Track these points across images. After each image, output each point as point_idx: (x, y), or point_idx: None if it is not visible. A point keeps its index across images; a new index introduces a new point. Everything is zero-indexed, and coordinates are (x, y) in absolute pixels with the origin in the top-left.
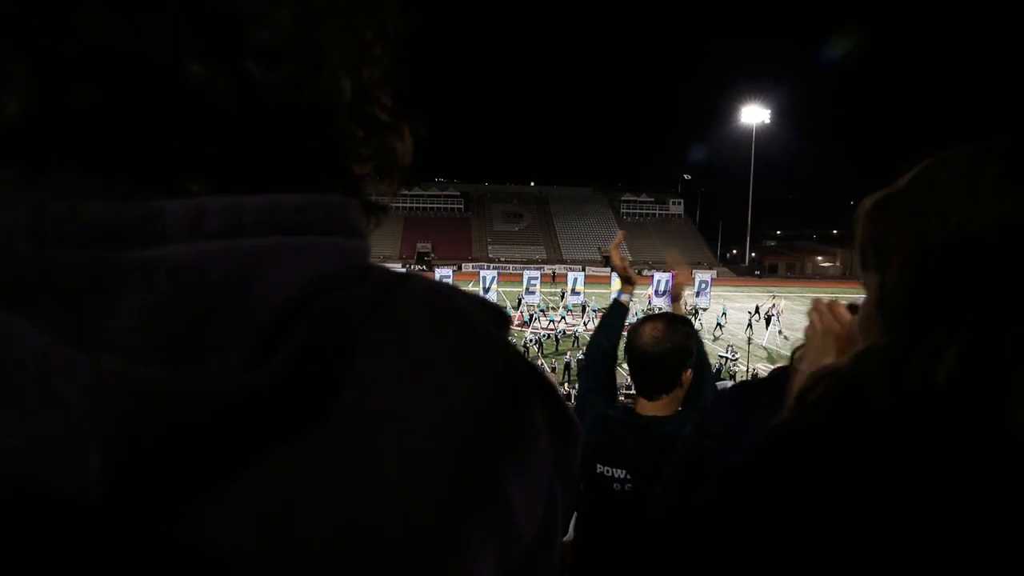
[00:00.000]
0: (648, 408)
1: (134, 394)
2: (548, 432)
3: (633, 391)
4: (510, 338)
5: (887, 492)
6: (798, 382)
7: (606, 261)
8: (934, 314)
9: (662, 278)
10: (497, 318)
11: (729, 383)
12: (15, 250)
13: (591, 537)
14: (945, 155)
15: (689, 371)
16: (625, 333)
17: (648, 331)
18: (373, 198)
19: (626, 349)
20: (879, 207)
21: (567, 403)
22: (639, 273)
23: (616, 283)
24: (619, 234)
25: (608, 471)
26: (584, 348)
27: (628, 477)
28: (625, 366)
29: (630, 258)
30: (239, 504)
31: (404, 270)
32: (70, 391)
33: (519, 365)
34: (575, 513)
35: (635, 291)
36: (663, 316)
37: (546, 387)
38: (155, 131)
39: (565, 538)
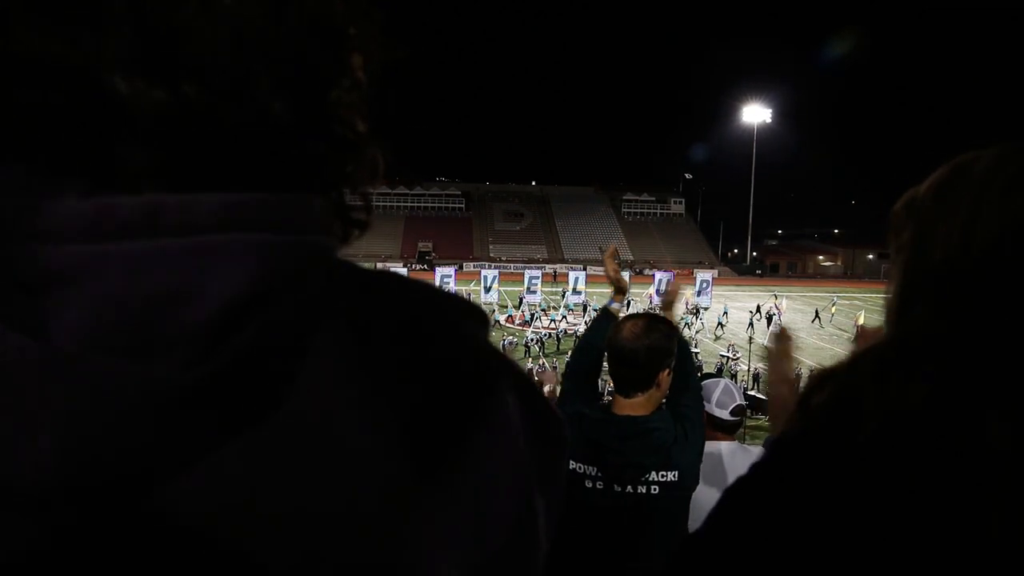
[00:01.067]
0: (624, 407)
1: (84, 383)
2: (524, 432)
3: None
4: (491, 337)
5: (882, 503)
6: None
7: None
8: (925, 320)
9: (663, 277)
10: (475, 317)
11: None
12: None
13: (562, 533)
14: (966, 157)
15: (667, 372)
16: None
17: (628, 327)
18: (351, 197)
19: (606, 344)
20: (904, 208)
21: (551, 403)
22: (640, 273)
23: None
24: (611, 247)
25: (581, 468)
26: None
27: (599, 474)
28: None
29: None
30: (187, 492)
31: (379, 268)
32: (23, 378)
33: (494, 364)
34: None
35: (636, 290)
36: (646, 315)
37: (526, 386)
38: (97, 135)
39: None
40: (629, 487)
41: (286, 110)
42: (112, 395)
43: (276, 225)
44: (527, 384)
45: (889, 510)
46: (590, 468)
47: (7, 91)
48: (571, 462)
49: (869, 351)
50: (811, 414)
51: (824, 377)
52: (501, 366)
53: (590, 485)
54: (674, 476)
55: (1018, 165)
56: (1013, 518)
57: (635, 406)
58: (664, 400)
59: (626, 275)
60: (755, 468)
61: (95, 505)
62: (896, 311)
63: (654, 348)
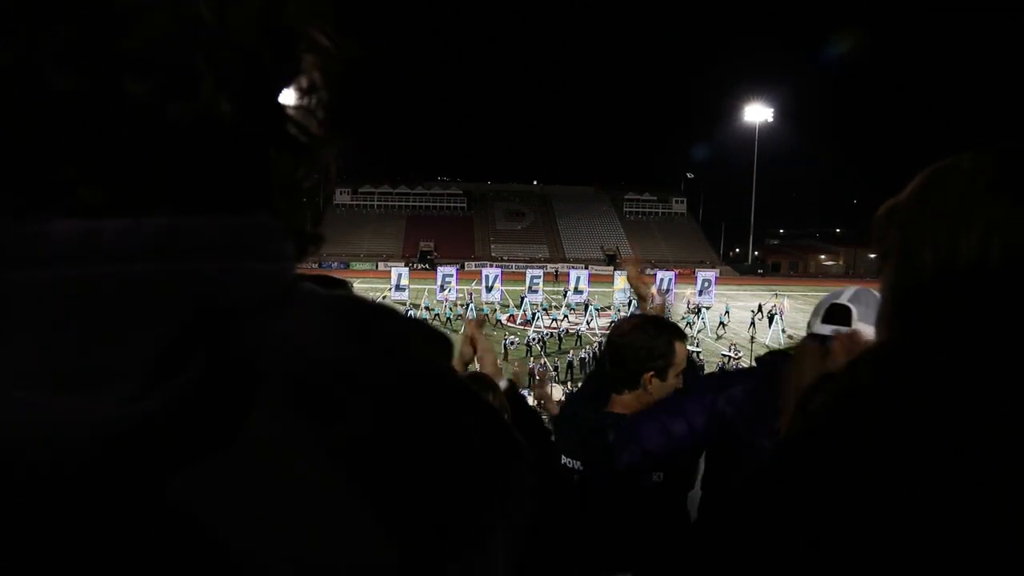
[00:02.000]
0: (615, 404)
1: (18, 422)
2: (487, 462)
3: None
4: (446, 364)
5: (885, 502)
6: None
7: (610, 260)
8: (917, 324)
9: (665, 276)
10: (435, 343)
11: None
12: None
13: (559, 524)
14: (944, 163)
15: (651, 375)
16: None
17: (622, 323)
18: (306, 227)
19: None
20: (886, 215)
21: (511, 428)
22: (642, 272)
23: (619, 281)
24: (633, 256)
25: (570, 462)
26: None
27: (582, 468)
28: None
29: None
30: (139, 528)
31: (395, 270)
32: None
33: (457, 398)
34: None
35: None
36: (647, 316)
37: (490, 416)
38: (30, 143)
39: None
40: (613, 484)
41: (232, 109)
42: (51, 433)
43: (222, 251)
44: (490, 414)
45: (889, 511)
46: (575, 462)
47: None
48: (562, 457)
49: (865, 355)
50: (810, 417)
51: (821, 380)
52: (464, 398)
53: (576, 479)
54: (659, 477)
55: (997, 168)
56: (1012, 519)
57: (625, 404)
58: None
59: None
60: (757, 471)
61: (33, 554)
62: (889, 316)
63: (638, 347)
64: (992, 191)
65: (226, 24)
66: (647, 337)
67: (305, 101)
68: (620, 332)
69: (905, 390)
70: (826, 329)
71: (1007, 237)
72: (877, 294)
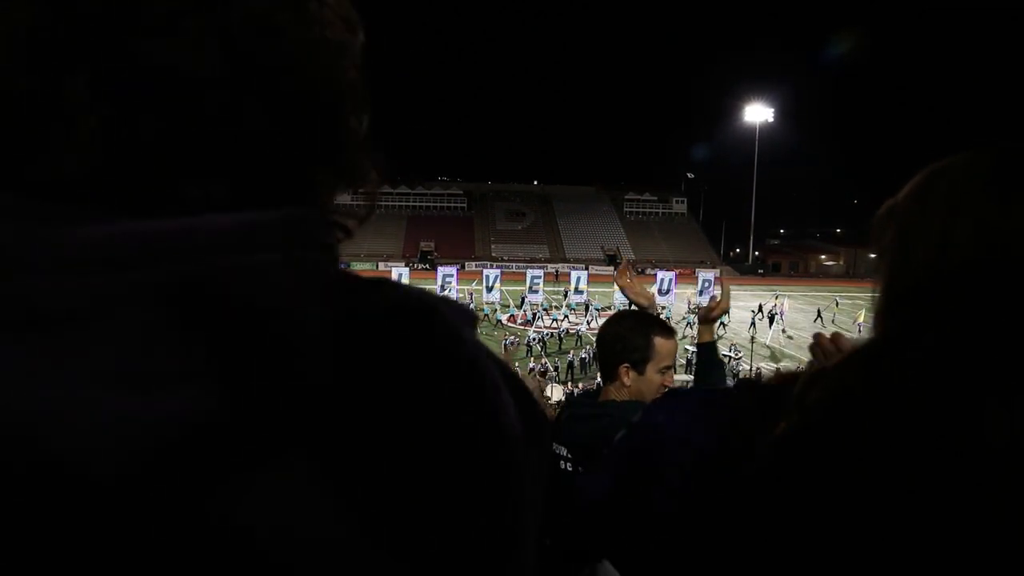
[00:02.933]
0: (603, 394)
1: (106, 424)
2: (519, 430)
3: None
4: (480, 336)
5: (876, 499)
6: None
7: (610, 260)
8: (908, 321)
9: (665, 277)
10: (466, 319)
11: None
12: None
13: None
14: (940, 163)
15: (626, 368)
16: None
17: (611, 317)
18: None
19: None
20: (885, 214)
21: (535, 397)
22: (642, 272)
23: None
24: (623, 264)
25: (558, 449)
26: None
27: (569, 455)
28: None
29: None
30: (216, 526)
31: (395, 270)
32: (42, 428)
33: (492, 367)
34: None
35: None
36: (631, 310)
37: (518, 386)
38: (143, 156)
39: None
40: (579, 467)
41: (276, 119)
42: (133, 433)
43: (288, 243)
44: (519, 384)
45: (884, 506)
46: (562, 449)
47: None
48: (554, 444)
49: (859, 350)
50: (806, 412)
51: (816, 376)
52: (498, 368)
53: (563, 465)
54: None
55: (989, 167)
56: (1007, 514)
57: (607, 395)
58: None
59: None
60: (754, 467)
61: (111, 533)
62: (883, 312)
63: (610, 339)
64: (982, 189)
65: (271, 35)
66: (622, 329)
67: (343, 107)
68: (605, 324)
69: (895, 385)
70: None
71: (994, 234)
72: None
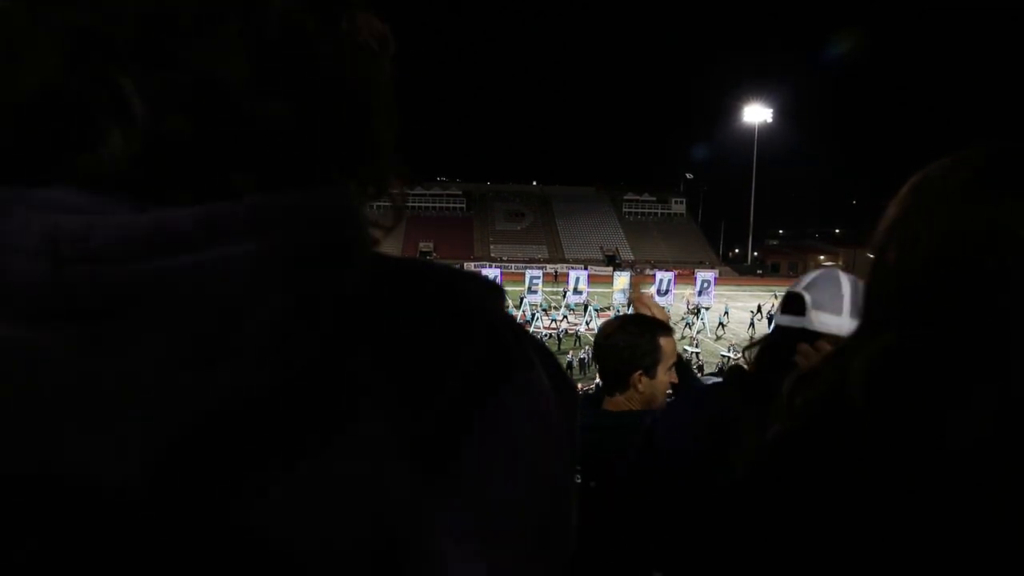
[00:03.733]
0: (609, 404)
1: (163, 401)
2: (555, 400)
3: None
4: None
5: (869, 500)
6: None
7: (609, 260)
8: (881, 320)
9: (664, 277)
10: (495, 291)
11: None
12: (31, 270)
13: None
14: (932, 166)
15: (639, 374)
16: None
17: (606, 325)
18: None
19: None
20: (880, 215)
21: (563, 369)
22: (641, 272)
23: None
24: (634, 279)
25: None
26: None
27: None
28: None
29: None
30: (270, 497)
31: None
32: (102, 403)
33: (524, 339)
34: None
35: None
36: (629, 315)
37: (548, 356)
38: (185, 153)
39: None
40: (591, 482)
41: (303, 123)
42: (189, 409)
43: (324, 224)
44: (548, 354)
45: (873, 509)
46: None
47: (163, 118)
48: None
49: (839, 351)
50: (794, 414)
51: (804, 377)
52: (529, 340)
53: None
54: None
55: (967, 168)
56: (975, 518)
57: (618, 405)
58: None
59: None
60: (745, 470)
61: (177, 513)
62: (864, 312)
63: (620, 348)
64: (957, 189)
65: (316, 45)
66: (630, 336)
67: (381, 117)
68: (604, 334)
69: (867, 387)
70: (784, 320)
71: (963, 234)
72: (842, 276)
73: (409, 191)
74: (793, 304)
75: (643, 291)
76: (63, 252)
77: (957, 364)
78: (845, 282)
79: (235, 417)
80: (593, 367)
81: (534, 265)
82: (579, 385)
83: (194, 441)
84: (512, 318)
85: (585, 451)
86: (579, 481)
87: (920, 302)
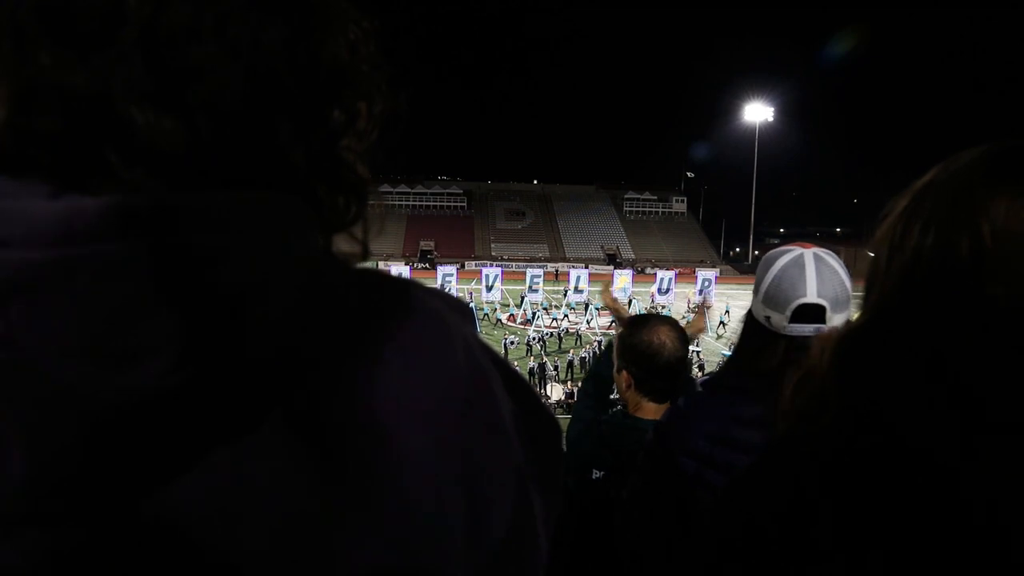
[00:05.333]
0: (647, 411)
1: (56, 393)
2: (516, 426)
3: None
4: (478, 332)
5: (865, 509)
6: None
7: (610, 259)
8: (873, 323)
9: (665, 276)
10: (463, 313)
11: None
12: None
13: (593, 544)
14: (937, 168)
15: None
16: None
17: (666, 339)
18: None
19: (645, 355)
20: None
21: (541, 398)
22: (642, 272)
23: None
24: (604, 286)
25: (600, 475)
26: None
27: (622, 480)
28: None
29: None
30: (184, 494)
31: (395, 269)
32: None
33: (485, 363)
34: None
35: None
36: (668, 321)
37: (520, 386)
38: (97, 152)
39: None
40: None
41: (300, 155)
42: (86, 404)
43: (259, 226)
44: (518, 379)
45: (869, 517)
46: (598, 473)
47: (27, 116)
48: (593, 471)
49: (835, 353)
50: (793, 417)
51: (803, 378)
52: (493, 361)
53: (614, 493)
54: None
55: (965, 172)
56: (946, 512)
57: (658, 411)
58: None
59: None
60: (745, 473)
61: (75, 521)
62: (861, 312)
63: (687, 351)
64: (958, 190)
65: (295, 74)
66: (680, 345)
67: (357, 145)
68: (676, 347)
69: (859, 392)
70: (800, 329)
71: (948, 235)
72: (833, 262)
73: (410, 189)
74: (810, 315)
75: (611, 289)
76: None
77: (946, 371)
78: (810, 267)
79: (136, 415)
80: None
81: (535, 264)
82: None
83: (90, 443)
84: (481, 340)
85: (618, 457)
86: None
87: (920, 302)
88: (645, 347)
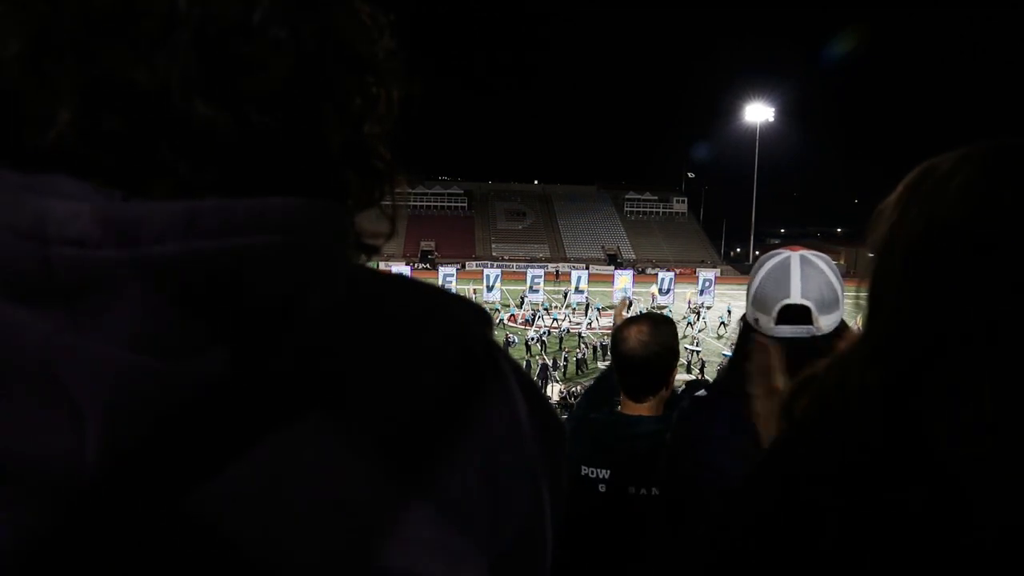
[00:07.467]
0: (633, 409)
1: (131, 381)
2: (531, 428)
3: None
4: (495, 336)
5: (867, 512)
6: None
7: (611, 259)
8: (880, 325)
9: (666, 276)
10: (481, 316)
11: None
12: (20, 248)
13: (580, 540)
14: (930, 163)
15: (675, 370)
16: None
17: (635, 335)
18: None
19: (612, 352)
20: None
21: (549, 401)
22: (643, 272)
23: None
24: (622, 302)
25: (593, 472)
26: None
27: (610, 477)
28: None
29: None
30: (231, 483)
31: (396, 269)
32: (71, 378)
33: (503, 364)
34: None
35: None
36: (647, 317)
37: (530, 386)
38: (156, 149)
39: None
40: (643, 489)
41: (337, 141)
42: (155, 392)
43: (307, 230)
44: (531, 384)
45: (870, 521)
46: (602, 471)
47: (93, 117)
48: (582, 467)
49: (840, 357)
50: (795, 422)
51: (804, 382)
52: (510, 365)
53: (603, 489)
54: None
55: (962, 169)
56: (975, 525)
57: (644, 408)
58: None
59: (628, 274)
60: (746, 478)
61: (131, 499)
62: (866, 313)
63: (663, 353)
64: (955, 188)
65: (329, 65)
66: (667, 338)
67: (381, 131)
68: (641, 343)
69: (856, 397)
70: (785, 331)
71: (943, 234)
72: (821, 263)
73: (410, 190)
74: (795, 316)
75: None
76: (50, 233)
77: (947, 373)
78: (795, 270)
79: (194, 406)
80: (592, 367)
81: (535, 264)
82: (580, 384)
83: (154, 427)
84: (497, 345)
85: (613, 455)
86: (601, 488)
87: (919, 302)
88: (615, 340)
